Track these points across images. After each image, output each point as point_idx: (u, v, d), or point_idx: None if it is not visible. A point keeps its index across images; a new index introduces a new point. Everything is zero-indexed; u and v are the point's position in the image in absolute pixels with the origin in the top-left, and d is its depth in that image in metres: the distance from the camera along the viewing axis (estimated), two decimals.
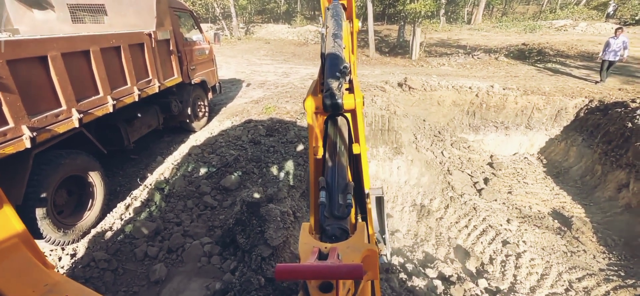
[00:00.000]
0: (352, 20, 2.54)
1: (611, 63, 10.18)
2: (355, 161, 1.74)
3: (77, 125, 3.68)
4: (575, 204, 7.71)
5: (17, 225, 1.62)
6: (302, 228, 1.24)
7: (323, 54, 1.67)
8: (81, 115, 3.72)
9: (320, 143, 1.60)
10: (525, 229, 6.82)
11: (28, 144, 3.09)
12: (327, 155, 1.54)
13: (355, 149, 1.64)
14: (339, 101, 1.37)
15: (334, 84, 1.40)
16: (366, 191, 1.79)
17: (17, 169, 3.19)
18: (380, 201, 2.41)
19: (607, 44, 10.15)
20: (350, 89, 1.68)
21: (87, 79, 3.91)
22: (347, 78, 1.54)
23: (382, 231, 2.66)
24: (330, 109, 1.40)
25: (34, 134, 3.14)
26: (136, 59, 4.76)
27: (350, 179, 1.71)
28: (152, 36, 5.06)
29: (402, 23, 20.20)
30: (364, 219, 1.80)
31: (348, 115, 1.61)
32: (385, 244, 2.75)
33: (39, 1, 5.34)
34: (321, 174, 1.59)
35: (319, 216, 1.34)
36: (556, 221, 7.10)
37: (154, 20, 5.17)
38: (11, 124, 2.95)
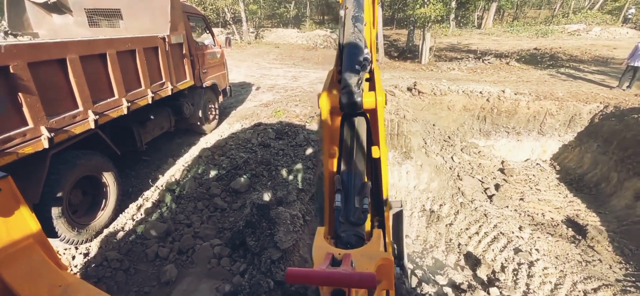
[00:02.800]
0: None
1: (637, 69, 9.81)
2: (374, 166, 1.62)
3: (92, 126, 3.76)
4: (590, 212, 7.51)
5: (33, 225, 1.65)
6: (317, 232, 1.19)
7: (340, 43, 1.49)
8: (97, 116, 3.80)
9: (336, 144, 1.49)
10: (538, 237, 6.66)
11: (46, 145, 3.17)
12: (343, 157, 1.44)
13: (375, 152, 1.49)
14: (358, 99, 1.23)
15: (353, 80, 1.25)
16: (385, 198, 1.68)
17: (34, 168, 3.27)
18: (398, 216, 2.08)
19: (636, 49, 9.75)
20: (371, 81, 1.56)
21: (103, 82, 4.00)
22: (368, 69, 1.39)
23: (399, 256, 2.26)
24: (348, 109, 1.27)
25: (52, 134, 3.21)
26: (150, 62, 4.85)
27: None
28: (166, 40, 5.15)
29: (412, 28, 20.14)
30: (382, 226, 1.70)
31: (367, 113, 1.46)
32: (403, 269, 2.36)
33: (57, 6, 5.49)
34: (336, 168, 1.50)
35: (333, 221, 1.31)
36: (570, 229, 6.92)
37: (168, 24, 5.26)
38: (31, 125, 3.03)
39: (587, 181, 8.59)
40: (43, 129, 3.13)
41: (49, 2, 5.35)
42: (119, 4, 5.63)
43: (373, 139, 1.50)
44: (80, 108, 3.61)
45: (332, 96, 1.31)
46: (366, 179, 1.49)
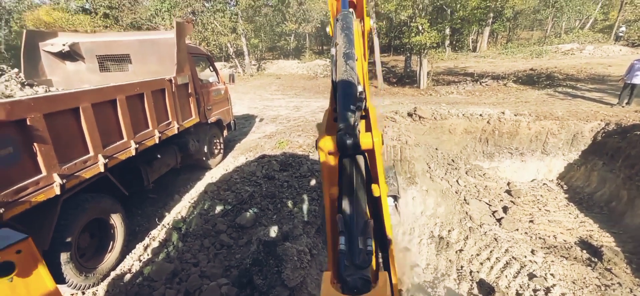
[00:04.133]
0: (362, 19, 2.29)
1: (634, 86, 9.94)
2: (375, 204, 1.60)
3: (102, 170, 3.84)
4: (604, 232, 7.33)
5: (49, 284, 1.66)
6: (324, 279, 1.18)
7: (334, 81, 1.50)
8: (106, 160, 3.89)
9: (336, 185, 1.48)
10: (552, 261, 6.47)
11: (58, 191, 3.23)
12: (343, 197, 1.43)
13: (375, 191, 1.48)
14: (355, 141, 1.25)
15: (349, 120, 1.28)
16: (389, 237, 1.63)
17: (45, 215, 3.31)
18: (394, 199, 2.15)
19: (632, 67, 9.90)
20: (366, 119, 1.58)
21: (113, 126, 4.13)
22: (363, 107, 1.40)
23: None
24: (346, 150, 1.28)
25: (64, 181, 3.29)
26: (158, 103, 5.02)
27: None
28: (173, 81, 5.35)
29: (408, 54, 20.71)
30: (386, 266, 1.66)
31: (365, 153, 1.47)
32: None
33: (71, 54, 5.78)
34: (336, 210, 1.48)
35: (338, 265, 1.25)
36: (585, 251, 6.73)
37: (174, 66, 5.49)
38: (44, 173, 3.11)
39: (596, 199, 8.46)
40: (55, 176, 3.21)
41: (64, 51, 5.64)
42: (128, 50, 5.92)
43: (372, 177, 1.50)
44: (91, 153, 3.71)
45: (330, 138, 1.32)
46: (368, 215, 1.47)
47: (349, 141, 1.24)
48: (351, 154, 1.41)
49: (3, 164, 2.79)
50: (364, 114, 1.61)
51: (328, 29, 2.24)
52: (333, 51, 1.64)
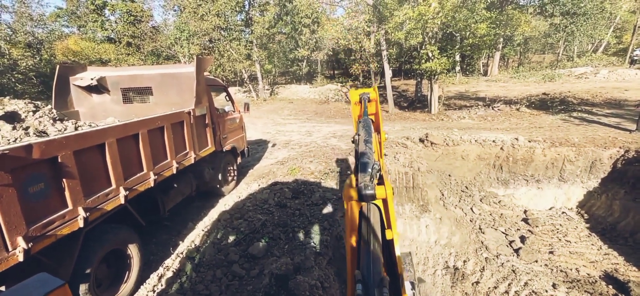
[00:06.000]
0: (379, 132, 3.13)
1: None
2: (388, 246, 1.87)
3: (123, 202, 3.99)
4: (630, 266, 6.97)
5: None
6: None
7: (357, 152, 1.99)
8: (127, 192, 4.05)
9: (356, 230, 1.77)
10: None
11: (81, 224, 3.37)
12: (362, 241, 1.65)
13: (389, 234, 1.78)
14: (372, 191, 1.59)
15: (366, 178, 1.64)
16: (400, 273, 1.85)
17: (68, 247, 3.44)
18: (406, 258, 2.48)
19: None
20: (381, 182, 1.90)
21: (134, 159, 4.31)
22: (378, 175, 1.80)
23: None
24: (365, 199, 1.62)
25: (87, 214, 3.43)
26: (176, 135, 5.22)
27: (384, 264, 1.77)
28: (191, 113, 5.59)
29: (419, 79, 20.90)
30: None
31: (379, 203, 1.80)
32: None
33: (98, 87, 6.15)
34: (356, 259, 1.71)
35: None
36: (611, 286, 6.39)
37: (193, 99, 5.74)
38: (70, 207, 3.27)
39: (620, 230, 8.10)
40: (80, 210, 3.36)
41: (92, 85, 6.00)
42: (150, 83, 6.25)
43: (386, 223, 1.81)
44: (113, 186, 3.87)
45: (352, 189, 1.68)
46: (383, 267, 1.65)
47: (367, 192, 1.59)
48: (369, 201, 1.72)
49: (34, 199, 2.96)
50: (378, 182, 1.97)
51: (353, 137, 3.08)
52: (356, 137, 2.39)
